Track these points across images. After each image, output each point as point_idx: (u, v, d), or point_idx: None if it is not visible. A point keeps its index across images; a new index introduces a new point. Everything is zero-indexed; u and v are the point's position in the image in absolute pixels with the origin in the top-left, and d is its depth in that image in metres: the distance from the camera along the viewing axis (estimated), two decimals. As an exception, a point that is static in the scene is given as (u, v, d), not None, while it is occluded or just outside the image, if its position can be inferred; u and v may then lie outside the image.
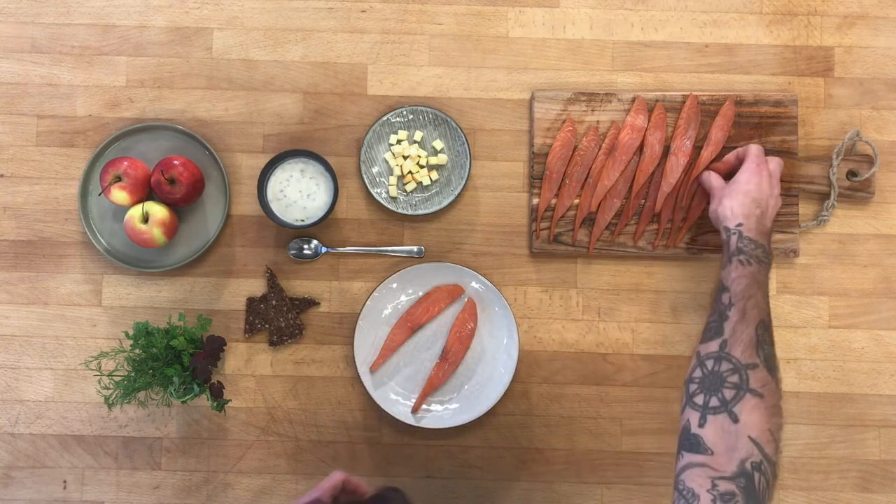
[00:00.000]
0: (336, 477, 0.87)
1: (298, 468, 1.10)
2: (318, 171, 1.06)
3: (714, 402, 0.83)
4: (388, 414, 1.07)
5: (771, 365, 0.87)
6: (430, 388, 1.08)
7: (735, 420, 0.81)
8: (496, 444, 1.10)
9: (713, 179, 1.05)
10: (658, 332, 1.11)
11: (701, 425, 0.83)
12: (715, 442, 0.81)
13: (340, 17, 1.13)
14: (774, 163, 1.03)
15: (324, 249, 1.10)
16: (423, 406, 1.09)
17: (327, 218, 1.06)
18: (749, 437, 0.81)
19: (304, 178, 1.06)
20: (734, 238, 0.96)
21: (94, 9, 1.13)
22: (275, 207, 1.06)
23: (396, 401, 1.08)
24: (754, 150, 1.03)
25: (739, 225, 0.97)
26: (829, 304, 1.11)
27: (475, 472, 1.10)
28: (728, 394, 0.83)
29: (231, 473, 1.09)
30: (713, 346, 0.88)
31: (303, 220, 1.06)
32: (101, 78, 1.12)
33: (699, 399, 0.85)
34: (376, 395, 1.07)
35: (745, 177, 1.01)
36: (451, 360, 1.09)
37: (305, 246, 1.10)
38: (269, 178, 1.06)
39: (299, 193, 1.06)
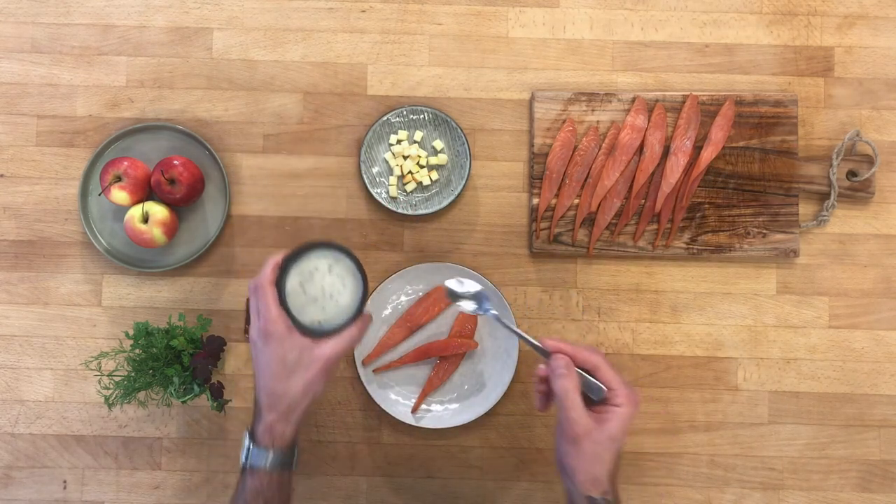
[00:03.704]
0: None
1: (298, 468, 1.09)
2: (347, 270, 0.89)
3: None
4: (388, 414, 1.07)
5: None
6: (430, 388, 1.08)
7: None
8: (496, 444, 1.10)
9: (574, 413, 0.79)
10: (658, 332, 1.11)
11: None
12: None
13: (340, 17, 1.13)
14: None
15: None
16: (423, 406, 1.09)
17: (348, 325, 0.87)
18: None
19: (330, 274, 0.89)
20: None
21: (94, 9, 1.13)
22: (291, 302, 0.88)
23: (396, 401, 1.08)
24: (617, 380, 0.81)
25: (605, 493, 0.78)
26: (829, 304, 1.11)
27: (475, 472, 1.10)
28: None
29: (231, 473, 1.09)
30: None
31: (319, 323, 0.87)
32: (101, 78, 1.12)
33: None
34: (376, 396, 1.07)
35: (620, 426, 0.78)
36: (451, 360, 1.09)
37: None
38: (291, 267, 0.88)
39: (321, 291, 0.88)
